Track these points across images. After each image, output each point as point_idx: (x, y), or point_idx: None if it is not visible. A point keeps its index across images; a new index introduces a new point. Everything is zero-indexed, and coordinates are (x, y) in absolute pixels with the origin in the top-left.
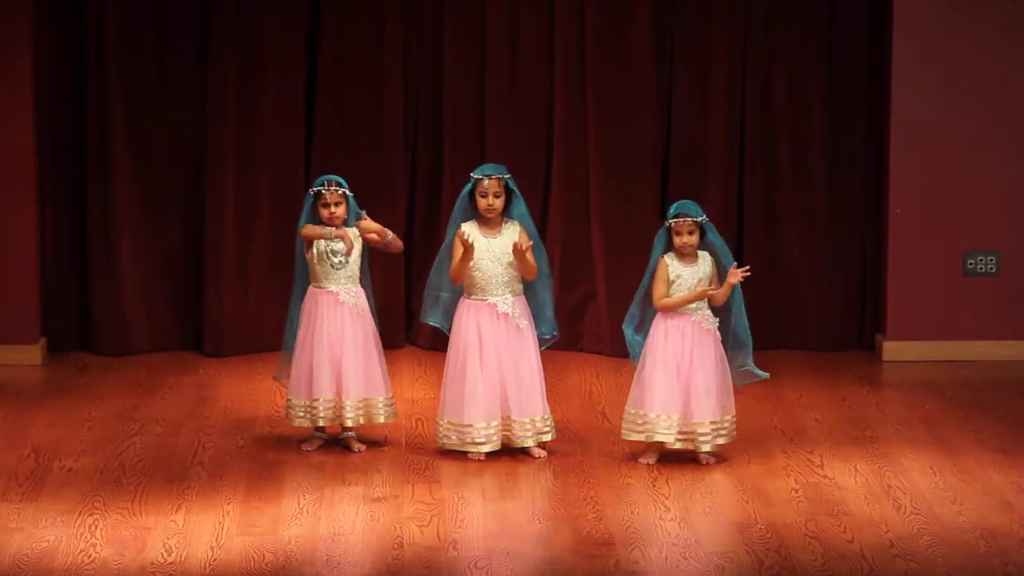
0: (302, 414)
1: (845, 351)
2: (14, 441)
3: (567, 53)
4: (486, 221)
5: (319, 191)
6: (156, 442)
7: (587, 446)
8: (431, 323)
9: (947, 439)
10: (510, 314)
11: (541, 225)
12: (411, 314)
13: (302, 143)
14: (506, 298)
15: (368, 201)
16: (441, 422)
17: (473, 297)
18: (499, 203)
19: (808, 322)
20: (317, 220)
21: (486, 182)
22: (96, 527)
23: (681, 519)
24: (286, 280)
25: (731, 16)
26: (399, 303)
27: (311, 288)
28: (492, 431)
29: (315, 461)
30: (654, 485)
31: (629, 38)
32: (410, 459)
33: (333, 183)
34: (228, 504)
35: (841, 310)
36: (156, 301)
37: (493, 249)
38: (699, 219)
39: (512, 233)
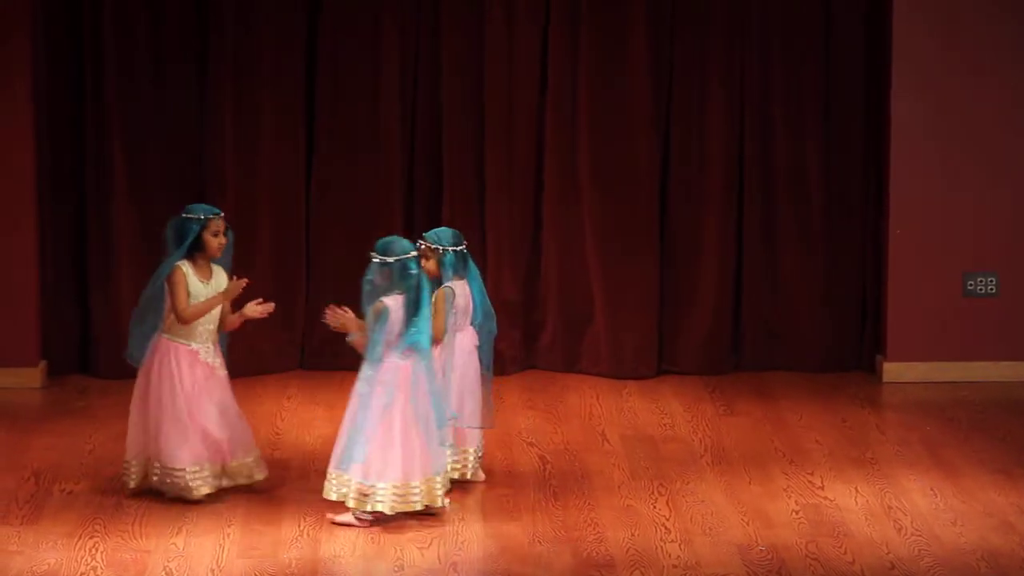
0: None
1: (845, 372)
2: (14, 464)
3: (564, 76)
4: (197, 263)
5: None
6: None
7: (587, 468)
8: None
9: (948, 460)
10: (210, 363)
11: (534, 243)
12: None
13: (302, 167)
14: (207, 347)
15: (366, 222)
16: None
17: (174, 338)
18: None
19: (808, 343)
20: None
21: (215, 222)
22: (96, 550)
23: (682, 540)
24: (284, 304)
25: (728, 41)
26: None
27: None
28: (207, 473)
29: (315, 484)
30: (654, 507)
31: (626, 63)
32: None
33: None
34: (228, 527)
35: (841, 331)
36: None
37: (207, 294)
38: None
39: (221, 279)
